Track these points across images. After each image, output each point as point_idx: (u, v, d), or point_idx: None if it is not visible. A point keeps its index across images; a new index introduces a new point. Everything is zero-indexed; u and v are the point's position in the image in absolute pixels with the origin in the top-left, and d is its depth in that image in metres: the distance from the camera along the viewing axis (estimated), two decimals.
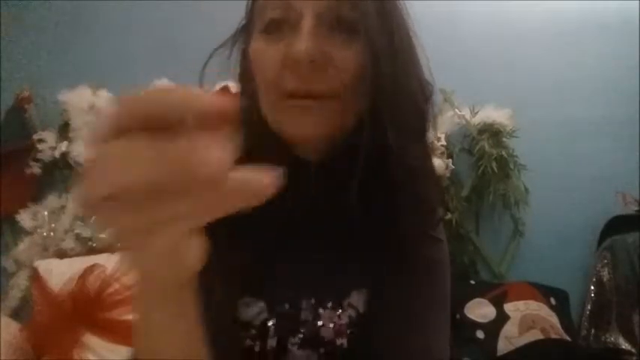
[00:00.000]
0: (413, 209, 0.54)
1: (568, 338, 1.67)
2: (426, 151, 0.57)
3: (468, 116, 1.93)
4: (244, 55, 0.58)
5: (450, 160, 1.86)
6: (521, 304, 1.68)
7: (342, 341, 0.55)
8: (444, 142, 1.87)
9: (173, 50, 1.98)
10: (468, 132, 1.95)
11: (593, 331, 1.76)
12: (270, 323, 0.56)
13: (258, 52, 0.52)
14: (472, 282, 1.79)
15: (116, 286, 1.59)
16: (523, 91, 2.03)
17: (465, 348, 1.59)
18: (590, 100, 2.09)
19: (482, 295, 1.69)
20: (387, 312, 0.55)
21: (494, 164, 1.84)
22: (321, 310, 0.56)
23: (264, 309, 0.56)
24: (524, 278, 1.82)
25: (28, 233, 1.78)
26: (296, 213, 0.53)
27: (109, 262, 1.65)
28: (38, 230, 1.77)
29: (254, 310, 0.56)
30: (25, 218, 1.78)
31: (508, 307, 1.66)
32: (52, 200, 1.81)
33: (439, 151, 1.87)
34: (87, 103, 1.82)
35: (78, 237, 1.76)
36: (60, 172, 1.83)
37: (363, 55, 0.49)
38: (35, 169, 1.80)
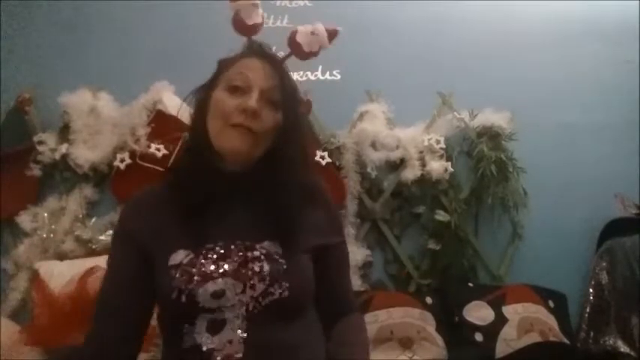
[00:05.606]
0: (292, 190, 0.93)
1: (566, 341, 1.68)
2: (304, 168, 0.98)
3: (467, 119, 1.94)
4: (201, 102, 0.95)
5: (449, 162, 1.87)
6: (519, 307, 1.68)
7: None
8: (443, 145, 1.88)
9: (173, 53, 1.98)
10: (467, 135, 1.95)
11: (591, 333, 1.76)
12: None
13: (221, 99, 0.90)
14: (471, 284, 1.80)
15: None
16: (522, 94, 2.03)
17: (463, 350, 1.60)
18: (589, 104, 2.09)
19: (480, 298, 1.69)
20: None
21: (493, 167, 1.85)
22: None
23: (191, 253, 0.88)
24: (522, 281, 1.83)
25: (27, 235, 1.78)
26: (227, 198, 0.92)
27: None
28: (38, 232, 1.77)
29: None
30: (24, 220, 1.79)
31: (507, 310, 1.66)
32: (52, 202, 1.82)
33: (438, 154, 1.88)
34: (87, 105, 1.82)
35: (78, 239, 1.77)
36: (60, 174, 1.83)
37: (277, 118, 0.91)
38: (35, 170, 1.80)
